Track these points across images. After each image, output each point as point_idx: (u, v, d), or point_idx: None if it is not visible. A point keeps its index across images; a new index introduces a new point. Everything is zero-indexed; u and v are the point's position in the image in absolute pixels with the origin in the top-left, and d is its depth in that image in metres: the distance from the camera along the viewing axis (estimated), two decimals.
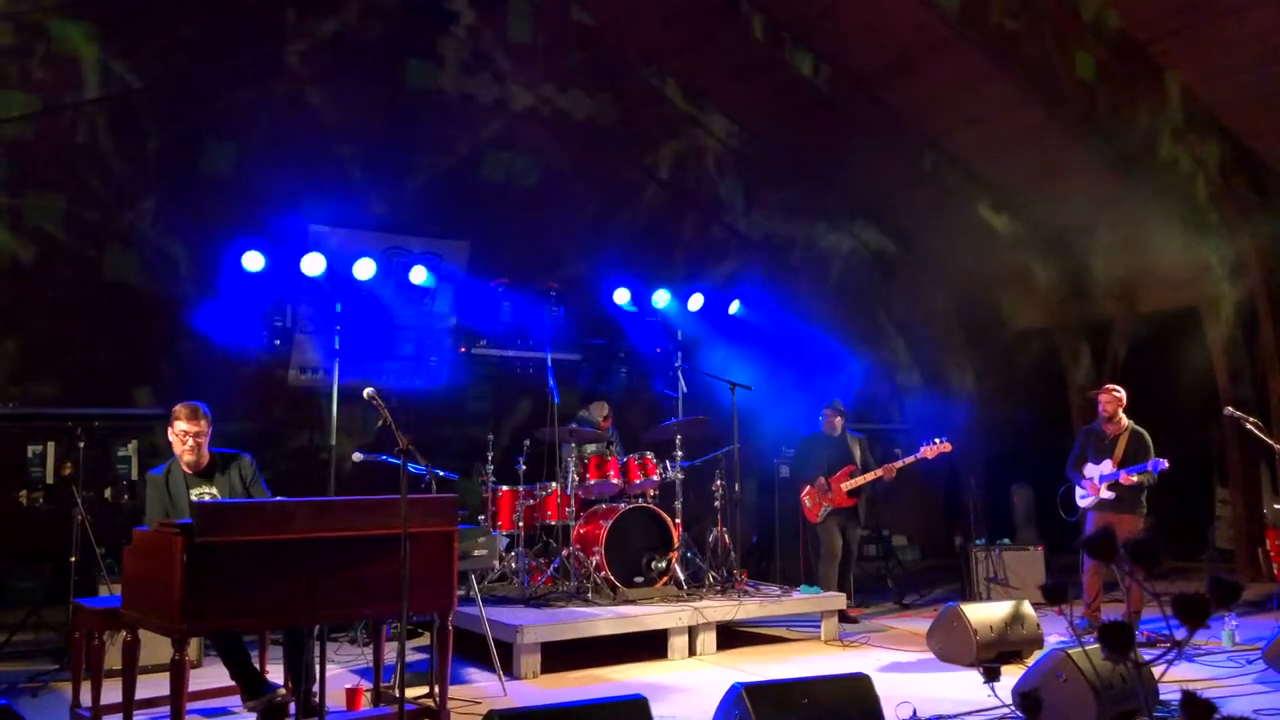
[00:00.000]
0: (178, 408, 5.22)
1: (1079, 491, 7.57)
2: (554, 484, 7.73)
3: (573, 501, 7.53)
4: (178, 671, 4.23)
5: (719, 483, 7.92)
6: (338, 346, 7.50)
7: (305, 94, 8.82)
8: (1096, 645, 4.23)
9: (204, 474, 5.23)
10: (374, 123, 9.13)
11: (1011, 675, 5.19)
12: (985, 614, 6.53)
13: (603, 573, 7.17)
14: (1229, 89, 8.60)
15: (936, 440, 8.06)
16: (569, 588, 7.19)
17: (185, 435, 5.15)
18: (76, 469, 6.79)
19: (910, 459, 8.11)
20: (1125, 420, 7.47)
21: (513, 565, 7.63)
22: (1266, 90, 8.41)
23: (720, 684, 4.89)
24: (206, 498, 5.10)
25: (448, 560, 4.86)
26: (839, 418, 8.49)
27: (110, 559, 6.40)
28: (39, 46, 7.78)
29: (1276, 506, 9.70)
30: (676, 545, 7.48)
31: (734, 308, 10.30)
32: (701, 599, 7.19)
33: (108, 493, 7.26)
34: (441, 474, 6.21)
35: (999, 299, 11.80)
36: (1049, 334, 11.49)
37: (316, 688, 4.73)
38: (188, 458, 5.18)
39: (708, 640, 6.93)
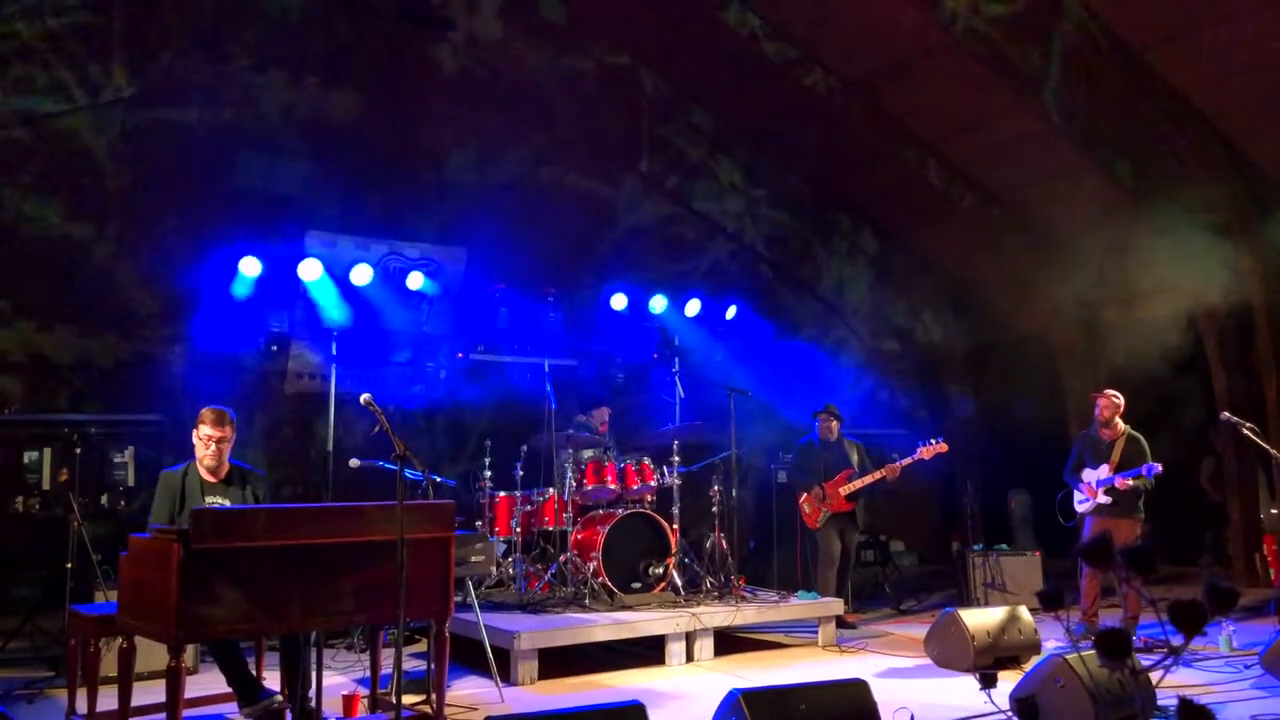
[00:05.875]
0: (204, 411, 5.16)
1: (1077, 496, 7.58)
2: (551, 489, 7.72)
3: (570, 507, 7.51)
4: (174, 678, 4.22)
5: (716, 488, 7.91)
6: (335, 352, 7.49)
7: (303, 99, 8.82)
8: (1094, 650, 4.24)
9: (222, 482, 5.19)
10: (371, 128, 9.13)
11: (1009, 681, 5.19)
12: (982, 620, 6.51)
13: (600, 578, 7.16)
14: (1225, 95, 8.61)
15: (933, 441, 8.08)
16: (566, 594, 7.18)
17: (209, 440, 5.10)
18: (73, 475, 6.78)
19: (908, 460, 8.11)
20: (1122, 425, 7.48)
21: (510, 571, 7.63)
22: (1263, 96, 8.43)
23: (717, 690, 4.89)
24: (218, 507, 5.06)
25: (444, 566, 4.86)
26: (835, 422, 8.49)
27: (106, 565, 6.38)
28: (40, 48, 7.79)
29: (1274, 511, 9.69)
30: (674, 551, 7.47)
31: (731, 313, 10.32)
32: (699, 604, 7.19)
33: (104, 499, 7.24)
34: (438, 479, 6.19)
35: (996, 305, 11.81)
36: (1046, 339, 11.49)
37: (313, 694, 4.73)
38: (208, 463, 5.14)
39: (705, 646, 6.92)
